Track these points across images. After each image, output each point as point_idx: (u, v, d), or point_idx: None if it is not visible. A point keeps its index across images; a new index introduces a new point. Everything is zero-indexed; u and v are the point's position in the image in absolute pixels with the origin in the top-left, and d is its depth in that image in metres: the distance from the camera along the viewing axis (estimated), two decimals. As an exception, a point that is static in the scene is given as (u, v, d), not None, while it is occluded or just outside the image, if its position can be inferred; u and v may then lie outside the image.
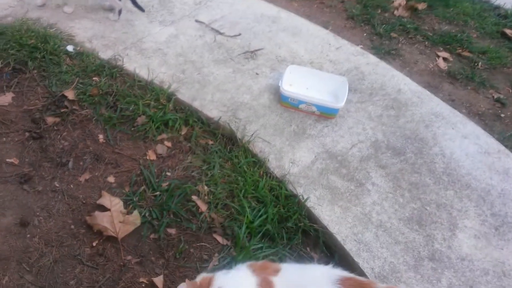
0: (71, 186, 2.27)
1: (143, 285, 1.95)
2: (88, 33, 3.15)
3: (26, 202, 2.16)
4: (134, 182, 2.33)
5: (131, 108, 2.65)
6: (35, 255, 1.97)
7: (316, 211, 2.26)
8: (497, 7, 4.32)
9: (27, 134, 2.46)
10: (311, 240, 2.23)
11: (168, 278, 1.99)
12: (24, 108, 2.59)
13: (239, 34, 3.30)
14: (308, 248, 2.20)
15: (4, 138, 2.42)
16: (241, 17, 3.48)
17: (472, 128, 2.80)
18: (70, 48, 2.97)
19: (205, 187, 2.32)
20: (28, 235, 2.04)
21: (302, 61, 3.15)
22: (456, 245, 2.20)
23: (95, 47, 3.03)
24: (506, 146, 2.75)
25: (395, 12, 4.08)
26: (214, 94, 2.80)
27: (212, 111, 2.69)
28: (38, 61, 2.84)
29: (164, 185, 2.32)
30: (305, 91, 2.83)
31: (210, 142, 2.57)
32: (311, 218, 2.26)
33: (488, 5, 4.35)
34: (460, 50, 3.70)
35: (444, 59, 3.60)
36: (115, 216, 2.11)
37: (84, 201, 2.21)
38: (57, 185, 2.26)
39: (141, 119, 2.61)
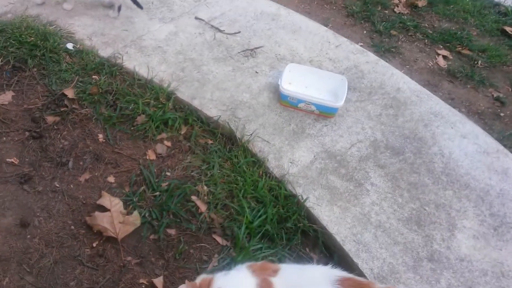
0: (71, 186, 2.27)
1: (143, 286, 1.96)
2: (87, 30, 3.14)
3: (26, 202, 2.17)
4: (134, 182, 2.33)
5: (130, 107, 2.65)
6: (35, 256, 1.98)
7: (315, 211, 2.27)
8: (497, 5, 4.31)
9: (27, 133, 2.46)
10: (310, 240, 2.24)
11: (168, 279, 2.00)
12: (24, 107, 2.59)
13: (239, 32, 3.29)
14: (307, 249, 2.21)
15: (4, 138, 2.42)
16: (240, 14, 3.47)
17: (471, 127, 2.81)
18: (69, 46, 2.97)
19: (205, 187, 2.32)
20: (28, 236, 2.05)
21: (302, 59, 3.15)
22: (455, 246, 2.21)
23: (95, 45, 3.02)
24: (505, 145, 2.76)
25: (395, 9, 4.07)
26: (213, 92, 2.80)
27: (211, 110, 2.69)
28: (38, 59, 2.83)
29: (164, 185, 2.32)
30: (304, 89, 2.82)
31: (210, 142, 2.58)
32: (310, 218, 2.27)
33: (488, 2, 4.33)
34: (460, 48, 3.70)
35: (444, 57, 3.60)
36: (115, 217, 2.12)
37: (84, 202, 2.22)
38: (57, 185, 2.26)
39: (140, 118, 2.61)
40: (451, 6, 4.18)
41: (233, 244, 2.15)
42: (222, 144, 2.57)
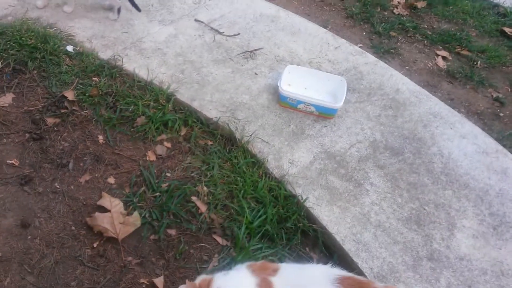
0: (72, 187, 2.28)
1: (144, 286, 1.97)
2: (87, 32, 3.16)
3: (27, 203, 2.18)
4: (134, 183, 2.34)
5: (130, 109, 2.66)
6: (36, 257, 1.99)
7: (315, 211, 2.27)
8: (496, 6, 4.32)
9: (27, 135, 2.47)
10: (310, 240, 2.25)
11: (169, 279, 2.00)
12: (24, 109, 2.60)
13: (238, 34, 3.31)
14: (307, 248, 2.22)
15: (5, 139, 2.43)
16: (240, 17, 3.48)
17: (470, 127, 2.81)
18: (69, 48, 2.98)
19: (205, 188, 2.33)
20: (29, 237, 2.05)
21: (301, 60, 3.16)
22: (454, 245, 2.21)
23: (95, 47, 3.03)
24: (504, 146, 2.76)
25: (395, 10, 4.08)
26: (213, 94, 2.81)
27: (211, 112, 2.70)
28: (38, 61, 2.85)
29: (164, 186, 2.33)
30: (304, 91, 2.84)
31: (210, 143, 2.58)
32: (310, 218, 2.28)
33: (487, 3, 4.34)
34: (459, 49, 3.71)
35: (443, 58, 3.61)
36: (116, 217, 2.13)
37: (84, 202, 2.23)
38: (58, 186, 2.27)
39: (140, 120, 2.62)
40: (450, 7, 4.20)
41: (233, 244, 2.16)
42: (221, 145, 2.58)
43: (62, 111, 2.60)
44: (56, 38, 3.00)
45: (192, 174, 2.42)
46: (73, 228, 2.12)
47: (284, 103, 2.76)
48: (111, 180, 2.34)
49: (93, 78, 2.82)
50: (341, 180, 2.44)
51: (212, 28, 3.33)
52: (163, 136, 2.58)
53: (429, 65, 3.53)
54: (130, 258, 2.05)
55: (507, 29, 3.95)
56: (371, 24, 3.87)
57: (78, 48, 3.01)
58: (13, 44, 2.88)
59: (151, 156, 2.48)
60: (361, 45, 3.59)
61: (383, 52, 3.57)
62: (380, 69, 3.17)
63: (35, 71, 2.80)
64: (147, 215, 2.20)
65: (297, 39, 3.35)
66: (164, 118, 2.63)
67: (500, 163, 2.61)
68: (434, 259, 2.14)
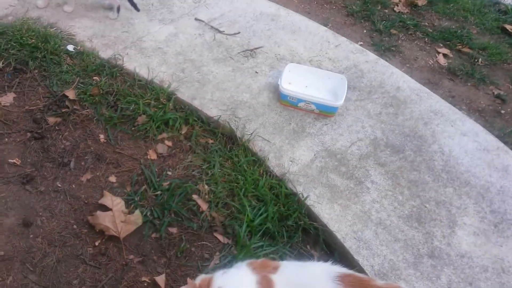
0: (73, 186, 2.29)
1: (145, 284, 1.97)
2: (88, 32, 3.16)
3: (29, 202, 2.18)
4: (135, 182, 2.35)
5: (131, 108, 2.67)
6: (38, 255, 2.00)
7: (316, 209, 2.28)
8: (497, 3, 4.31)
9: (28, 134, 2.48)
10: (311, 238, 2.25)
11: (170, 277, 2.01)
12: (25, 108, 2.61)
13: (239, 33, 3.31)
14: (308, 246, 2.22)
15: (6, 139, 2.44)
16: (240, 15, 3.48)
17: (471, 125, 2.81)
18: (70, 47, 2.99)
19: (206, 186, 2.34)
20: (31, 235, 2.06)
21: (301, 59, 3.16)
22: (455, 242, 2.21)
23: (95, 46, 3.04)
24: (506, 143, 2.76)
25: (395, 8, 4.08)
26: (213, 93, 2.82)
27: (211, 110, 2.70)
28: (39, 60, 2.86)
29: (165, 184, 2.34)
30: (304, 89, 2.84)
31: (210, 141, 2.59)
32: (311, 216, 2.28)
33: (488, 1, 4.33)
34: (460, 46, 3.70)
35: (444, 55, 3.61)
36: (117, 216, 2.14)
37: (86, 201, 2.23)
38: (59, 185, 2.28)
39: (141, 119, 2.63)
40: (451, 5, 4.19)
41: (234, 242, 2.17)
42: (222, 143, 2.59)
43: (63, 110, 2.61)
44: (56, 37, 3.00)
45: (193, 173, 2.42)
46: (74, 226, 2.13)
47: (285, 102, 2.77)
48: (113, 178, 2.35)
49: (94, 77, 2.82)
50: (342, 178, 2.44)
51: (212, 27, 3.34)
52: (164, 135, 2.59)
53: (430, 63, 3.53)
54: (131, 257, 2.06)
55: (508, 26, 3.94)
56: (372, 22, 3.86)
57: (79, 47, 3.01)
58: (14, 44, 2.88)
59: (152, 155, 2.48)
60: (361, 43, 3.59)
61: (384, 49, 3.57)
62: (381, 67, 3.17)
63: (36, 71, 2.81)
64: (148, 214, 2.21)
65: (297, 37, 3.35)
66: (165, 117, 2.63)
67: (501, 161, 2.61)
68: (435, 256, 2.14)
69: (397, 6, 4.10)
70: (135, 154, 2.48)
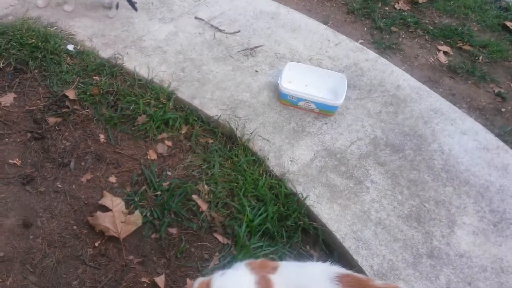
0: (73, 186, 2.30)
1: (145, 285, 1.98)
2: (88, 31, 3.16)
3: (29, 203, 2.19)
4: (135, 182, 2.35)
5: (131, 108, 2.67)
6: (38, 256, 2.01)
7: (315, 209, 2.28)
8: (498, 0, 4.30)
9: (29, 134, 2.48)
10: (310, 238, 2.26)
11: (170, 278, 2.02)
12: (25, 108, 2.61)
13: (239, 31, 3.30)
14: (307, 246, 2.23)
15: (7, 139, 2.44)
16: (240, 14, 3.48)
17: (471, 124, 2.81)
18: (70, 47, 2.99)
19: (206, 186, 2.34)
20: (31, 236, 2.07)
21: (301, 57, 3.15)
22: (454, 242, 2.22)
23: (95, 46, 3.04)
24: (506, 141, 2.76)
25: (396, 5, 4.06)
26: (213, 92, 2.82)
27: (211, 110, 2.70)
28: (39, 60, 2.86)
29: (165, 184, 2.34)
30: (304, 88, 2.84)
31: (210, 141, 2.59)
32: (311, 216, 2.29)
33: (489, -2, 4.33)
34: (460, 44, 3.69)
35: (445, 53, 3.60)
36: (117, 216, 2.14)
37: (86, 202, 2.24)
38: (59, 185, 2.29)
39: (141, 118, 2.63)
40: (452, 2, 4.18)
41: (234, 242, 2.17)
42: (222, 143, 2.59)
43: (63, 110, 2.61)
44: (56, 37, 3.00)
45: (193, 173, 2.42)
46: (74, 227, 2.14)
47: (285, 101, 2.76)
48: (113, 179, 2.35)
49: (94, 77, 2.82)
50: (342, 178, 2.44)
51: (212, 26, 3.33)
52: (164, 135, 2.59)
53: (431, 61, 3.52)
54: (131, 257, 2.06)
55: (509, 24, 3.93)
56: (372, 20, 3.85)
57: (79, 47, 3.01)
58: (14, 44, 2.88)
59: (152, 155, 2.49)
60: (362, 41, 3.58)
61: (384, 47, 3.56)
62: (381, 65, 3.16)
63: (36, 71, 2.81)
64: (148, 214, 2.22)
65: (297, 36, 3.34)
66: (165, 116, 2.63)
67: (501, 160, 2.61)
68: (434, 256, 2.15)
69: (398, 3, 4.08)
70: (135, 154, 2.49)
